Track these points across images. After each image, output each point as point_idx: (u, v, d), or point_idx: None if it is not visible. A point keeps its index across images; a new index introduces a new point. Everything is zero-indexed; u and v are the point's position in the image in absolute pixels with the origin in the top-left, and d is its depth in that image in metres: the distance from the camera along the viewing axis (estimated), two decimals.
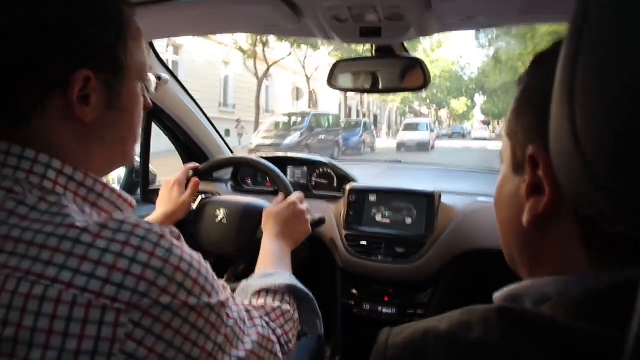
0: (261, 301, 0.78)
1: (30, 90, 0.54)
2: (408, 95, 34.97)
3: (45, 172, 0.54)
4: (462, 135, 39.10)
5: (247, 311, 0.68)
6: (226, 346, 0.58)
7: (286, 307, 0.78)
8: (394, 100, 38.09)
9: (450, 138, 37.19)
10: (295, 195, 1.12)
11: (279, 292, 0.82)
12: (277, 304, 0.78)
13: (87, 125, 0.57)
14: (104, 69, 0.57)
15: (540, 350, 0.34)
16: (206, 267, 0.56)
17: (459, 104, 52.60)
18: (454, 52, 57.79)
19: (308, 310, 0.86)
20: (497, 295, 0.45)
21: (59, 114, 0.55)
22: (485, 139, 33.79)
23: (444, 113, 57.49)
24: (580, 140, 0.27)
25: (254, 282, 0.85)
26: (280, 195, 1.15)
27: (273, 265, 0.92)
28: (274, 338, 0.69)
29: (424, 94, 37.56)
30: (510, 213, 0.46)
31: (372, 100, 33.09)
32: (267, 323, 0.71)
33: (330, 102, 27.16)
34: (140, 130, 0.67)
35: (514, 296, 0.43)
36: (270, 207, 1.10)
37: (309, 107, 22.26)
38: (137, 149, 1.68)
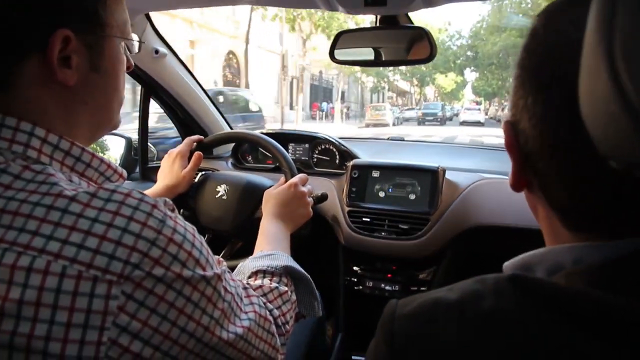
0: (258, 282, 0.77)
1: (4, 54, 0.51)
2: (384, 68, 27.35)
3: (29, 140, 0.51)
4: (441, 120, 27.67)
5: (245, 288, 0.67)
6: (223, 321, 0.56)
7: (283, 288, 0.77)
8: (369, 73, 31.98)
9: (420, 124, 26.72)
10: (298, 177, 1.10)
11: (276, 273, 0.80)
12: (274, 285, 0.77)
13: (70, 89, 0.55)
14: (84, 28, 0.54)
15: (555, 319, 0.32)
16: (200, 239, 0.54)
17: (447, 81, 45.44)
18: (440, 17, 50.93)
19: (306, 293, 0.85)
20: (508, 264, 0.43)
21: (39, 79, 0.52)
22: (478, 124, 26.11)
23: (430, 91, 51.54)
24: (623, 83, 0.25)
25: (250, 263, 0.83)
26: (282, 178, 1.13)
27: (271, 247, 0.91)
28: (270, 318, 0.68)
29: (404, 67, 29.64)
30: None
31: (340, 72, 27.17)
32: (265, 303, 0.70)
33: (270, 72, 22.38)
34: (123, 92, 0.64)
35: (527, 264, 0.41)
36: (272, 188, 1.09)
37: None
38: (136, 126, 1.65)
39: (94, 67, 0.57)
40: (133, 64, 0.67)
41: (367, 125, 23.55)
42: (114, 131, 0.75)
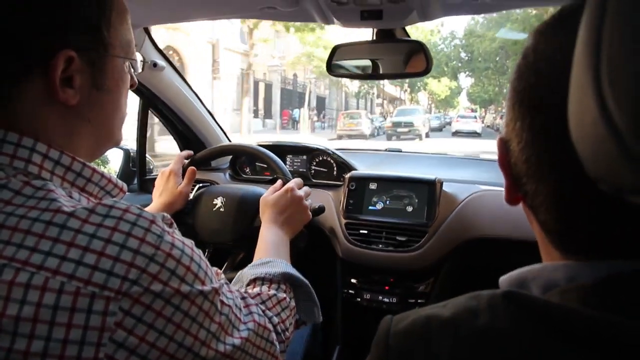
0: (256, 289, 0.77)
1: (7, 72, 0.51)
2: None
3: (30, 156, 0.52)
4: (415, 134, 19.37)
5: (243, 298, 0.67)
6: (220, 334, 0.56)
7: (282, 295, 0.77)
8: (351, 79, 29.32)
9: (390, 138, 19.75)
10: (294, 182, 1.10)
11: (275, 280, 0.80)
12: (272, 292, 0.76)
13: (73, 108, 0.55)
14: (87, 47, 0.55)
15: (549, 337, 0.32)
16: (199, 254, 0.54)
17: (440, 87, 41.10)
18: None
19: (305, 299, 0.85)
20: (504, 278, 0.43)
21: (41, 97, 0.53)
22: (474, 134, 22.28)
23: (424, 98, 47.69)
24: (609, 108, 0.25)
25: (249, 270, 0.83)
26: (278, 182, 1.13)
27: (270, 254, 0.91)
28: (269, 326, 0.68)
29: None
30: None
31: (319, 75, 23.54)
32: (263, 311, 0.70)
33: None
34: (126, 110, 0.65)
35: (521, 281, 0.41)
36: (267, 194, 1.07)
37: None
38: (134, 135, 1.66)
39: (96, 85, 0.57)
40: (137, 82, 0.67)
41: (340, 137, 19.76)
42: None
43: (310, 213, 1.08)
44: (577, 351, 0.31)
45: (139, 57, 0.67)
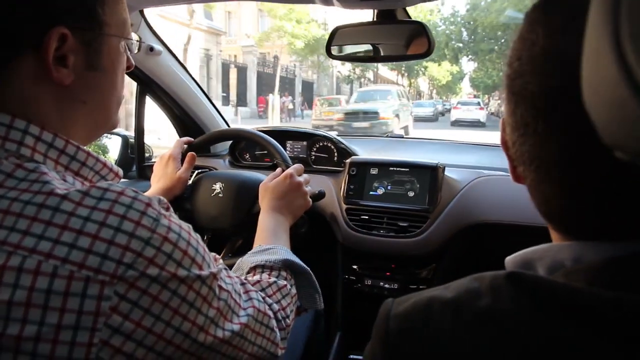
0: (256, 277, 0.76)
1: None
2: None
3: (23, 138, 0.50)
4: (381, 129, 11.87)
5: (243, 284, 0.66)
6: (219, 319, 0.56)
7: (282, 282, 0.77)
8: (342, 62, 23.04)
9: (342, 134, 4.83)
10: (293, 168, 1.08)
11: (275, 267, 0.80)
12: (272, 279, 0.76)
13: (67, 88, 0.53)
14: (81, 26, 0.53)
15: (553, 317, 0.32)
16: (196, 237, 0.53)
17: (441, 72, 37.68)
18: None
19: (306, 286, 0.84)
20: (509, 259, 0.43)
21: (33, 77, 0.51)
22: (478, 124, 19.11)
23: (424, 84, 44.38)
24: (630, 66, 0.23)
25: (249, 258, 0.83)
26: (279, 169, 1.11)
27: (269, 241, 0.90)
28: (270, 313, 0.67)
29: None
30: None
31: (304, 58, 21.76)
32: (264, 298, 0.69)
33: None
34: (122, 92, 0.63)
35: (527, 261, 0.40)
36: (267, 180, 1.06)
37: None
38: (132, 123, 1.64)
39: (91, 65, 0.56)
40: (133, 63, 0.66)
41: (316, 128, 12.91)
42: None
43: (310, 199, 1.07)
44: (583, 330, 0.31)
45: (134, 36, 0.64)
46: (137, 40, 0.66)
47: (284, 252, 0.84)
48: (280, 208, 1.00)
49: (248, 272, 0.79)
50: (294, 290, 0.79)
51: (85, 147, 0.56)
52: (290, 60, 23.62)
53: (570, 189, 0.36)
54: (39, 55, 0.50)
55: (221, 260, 0.69)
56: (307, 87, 26.94)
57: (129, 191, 0.49)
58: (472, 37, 31.54)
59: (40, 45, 0.50)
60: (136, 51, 0.66)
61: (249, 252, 0.86)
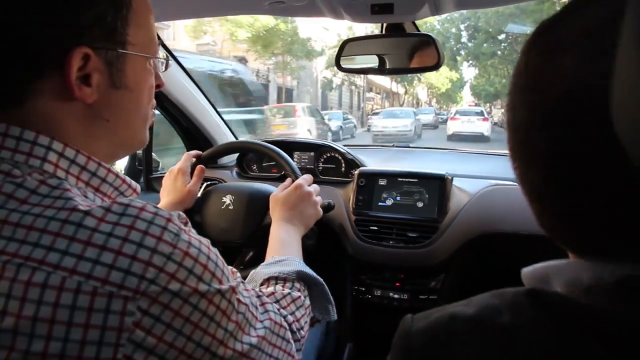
0: (270, 289, 0.77)
1: (22, 70, 0.50)
2: None
3: (46, 154, 0.51)
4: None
5: (259, 296, 0.67)
6: (237, 332, 0.56)
7: (296, 293, 0.77)
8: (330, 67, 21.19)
9: None
10: (303, 178, 1.09)
11: (289, 279, 0.80)
12: (287, 290, 0.76)
13: (90, 106, 0.54)
14: (104, 46, 0.54)
15: (574, 336, 0.32)
16: (215, 252, 0.54)
17: (441, 79, 35.53)
18: None
19: (320, 297, 0.85)
20: (527, 272, 0.42)
21: (57, 95, 0.52)
22: (481, 138, 16.24)
23: (423, 92, 41.37)
24: None
25: (262, 270, 0.83)
26: (288, 180, 1.12)
27: (282, 252, 0.90)
28: (285, 324, 0.67)
29: None
30: None
31: (277, 59, 18.43)
32: (279, 309, 0.70)
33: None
34: (149, 110, 0.63)
35: (544, 276, 0.40)
36: (277, 192, 1.07)
37: None
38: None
39: (115, 84, 0.56)
40: (164, 82, 0.66)
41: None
42: None
43: (320, 209, 1.08)
44: (605, 351, 0.31)
45: (162, 55, 0.65)
46: (164, 59, 0.65)
47: (297, 263, 0.84)
48: (291, 219, 1.00)
49: (262, 284, 0.80)
50: (307, 302, 0.79)
51: (105, 164, 0.57)
52: (264, 63, 19.13)
53: (585, 213, 0.37)
54: (62, 75, 0.51)
55: (239, 274, 0.70)
56: (286, 94, 21.86)
57: (150, 207, 0.49)
58: (472, 40, 29.04)
59: (63, 65, 0.51)
60: (163, 70, 0.66)
61: (262, 264, 0.86)
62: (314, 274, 0.84)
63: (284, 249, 0.92)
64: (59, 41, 0.51)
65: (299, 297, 0.77)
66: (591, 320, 0.32)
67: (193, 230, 0.54)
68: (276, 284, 0.79)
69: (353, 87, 29.80)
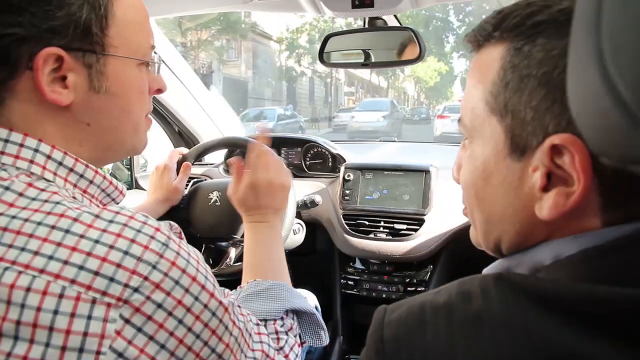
0: (263, 331, 0.69)
1: None
2: None
3: (34, 156, 0.51)
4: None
5: (257, 325, 0.65)
6: (229, 356, 0.54)
7: (288, 325, 0.73)
8: (312, 57, 19.15)
9: None
10: (252, 150, 0.89)
11: (278, 317, 0.73)
12: (279, 328, 0.71)
13: (68, 109, 0.53)
14: (80, 47, 0.52)
15: (544, 315, 0.32)
16: (205, 267, 0.53)
17: (428, 71, 31.58)
18: None
19: (311, 324, 0.80)
20: (487, 269, 0.43)
21: (32, 97, 0.51)
22: None
23: (410, 86, 37.32)
24: (612, 79, 0.25)
25: (247, 304, 0.73)
26: (235, 173, 0.90)
27: (261, 258, 0.83)
28: (277, 358, 0.64)
29: None
30: (512, 203, 0.40)
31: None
32: (273, 343, 0.67)
33: None
34: (141, 116, 0.61)
35: (506, 268, 0.41)
36: (231, 192, 0.90)
37: None
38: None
39: (95, 87, 0.54)
40: (165, 85, 0.64)
41: None
42: None
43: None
44: (573, 327, 0.31)
45: (156, 59, 0.62)
46: (156, 62, 0.62)
47: (284, 292, 0.75)
48: (261, 215, 0.86)
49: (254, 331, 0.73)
50: (298, 330, 0.75)
51: (92, 166, 0.56)
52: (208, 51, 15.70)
53: None
54: (34, 76, 0.50)
55: (232, 295, 0.67)
56: (237, 87, 17.89)
57: (140, 216, 0.49)
58: (463, 22, 26.08)
59: (32, 65, 0.49)
60: (156, 73, 0.63)
61: (242, 290, 0.76)
62: (304, 305, 0.77)
63: (262, 254, 0.83)
64: (27, 41, 0.49)
65: (291, 328, 0.73)
66: (557, 297, 0.32)
67: (184, 242, 0.52)
68: (266, 325, 0.70)
69: (329, 80, 26.80)
